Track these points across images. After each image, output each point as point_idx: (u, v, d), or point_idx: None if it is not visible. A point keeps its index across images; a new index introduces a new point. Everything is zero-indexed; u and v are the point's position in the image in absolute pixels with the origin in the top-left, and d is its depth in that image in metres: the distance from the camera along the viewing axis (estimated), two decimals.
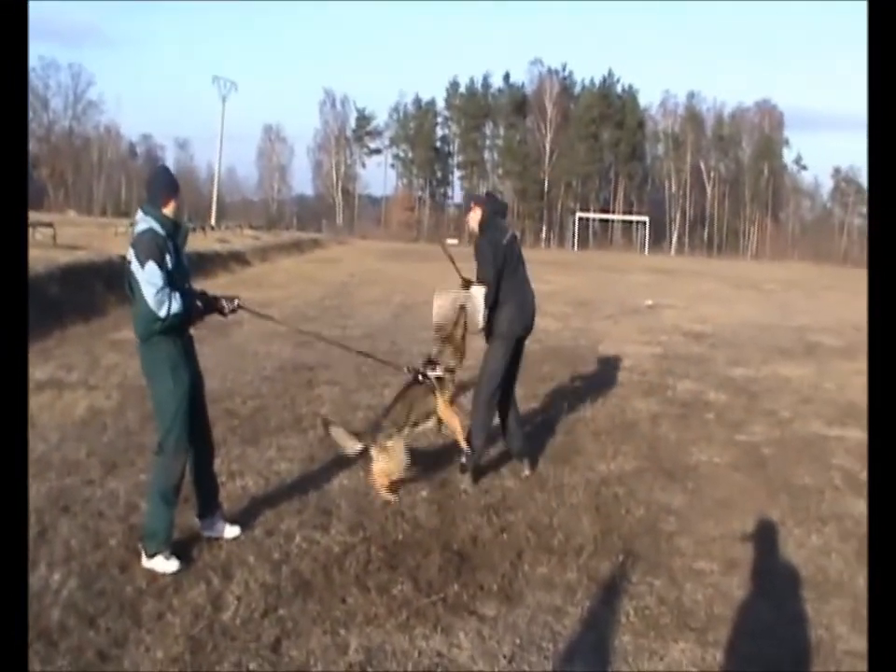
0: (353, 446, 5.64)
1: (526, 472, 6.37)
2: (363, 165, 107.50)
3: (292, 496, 5.71)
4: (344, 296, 20.10)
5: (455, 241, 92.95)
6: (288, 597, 4.26)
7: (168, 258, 4.47)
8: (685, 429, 8.12)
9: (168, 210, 4.57)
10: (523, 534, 5.27)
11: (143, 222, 4.53)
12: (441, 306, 6.07)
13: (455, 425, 5.90)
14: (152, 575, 4.41)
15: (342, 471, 6.26)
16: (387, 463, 5.60)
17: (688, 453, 7.32)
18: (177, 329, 4.58)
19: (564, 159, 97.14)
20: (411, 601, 4.26)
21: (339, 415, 7.77)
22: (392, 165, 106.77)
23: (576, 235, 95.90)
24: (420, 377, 5.84)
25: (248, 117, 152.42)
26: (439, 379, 5.82)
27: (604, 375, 10.74)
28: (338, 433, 5.69)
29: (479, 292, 5.95)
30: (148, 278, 4.39)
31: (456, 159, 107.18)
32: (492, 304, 6.04)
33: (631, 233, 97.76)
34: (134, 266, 4.43)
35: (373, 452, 5.62)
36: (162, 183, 4.64)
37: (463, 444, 5.94)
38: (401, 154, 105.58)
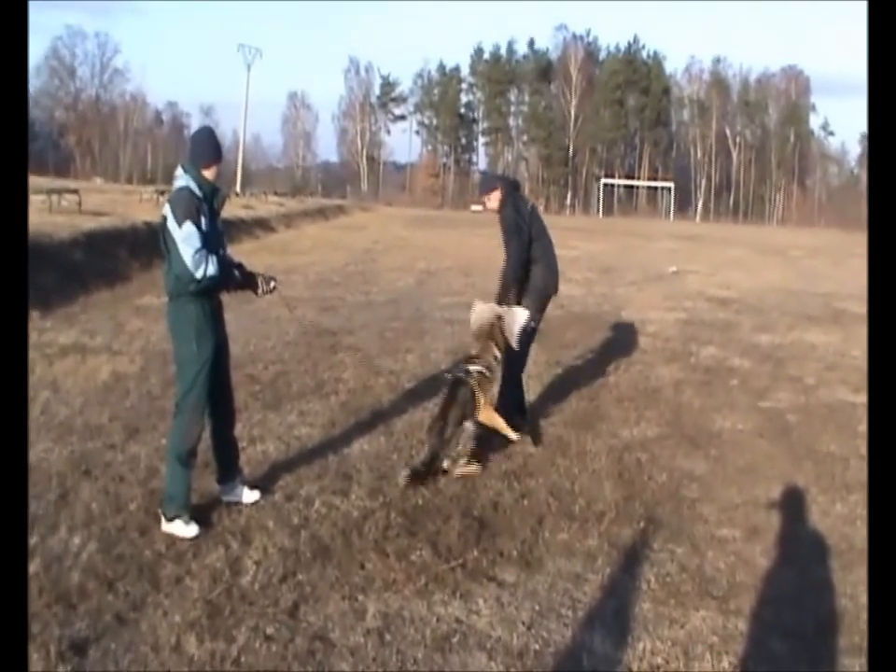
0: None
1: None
2: (388, 132, 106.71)
3: (312, 461, 5.68)
4: (368, 262, 20.06)
5: (479, 207, 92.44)
6: (307, 562, 4.23)
7: (203, 220, 4.39)
8: (709, 396, 8.02)
9: (209, 173, 4.50)
10: (544, 500, 5.21)
11: (181, 179, 4.44)
12: (480, 314, 6.11)
13: (498, 423, 5.92)
14: (171, 539, 4.39)
15: (362, 436, 6.24)
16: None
17: (711, 419, 7.22)
18: (209, 292, 4.53)
19: (589, 125, 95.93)
20: (430, 567, 4.21)
21: (361, 381, 7.86)
22: (417, 132, 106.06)
23: (601, 202, 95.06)
24: (463, 375, 5.83)
25: (273, 84, 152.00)
26: (480, 375, 5.79)
27: (627, 341, 10.63)
28: None
29: (522, 313, 6.02)
30: (186, 237, 4.31)
31: (481, 125, 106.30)
32: (525, 265, 6.28)
33: (656, 200, 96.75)
34: (171, 223, 4.36)
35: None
36: (206, 145, 4.56)
37: (511, 435, 5.98)
38: (426, 121, 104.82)
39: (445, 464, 5.46)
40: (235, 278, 4.71)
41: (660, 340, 10.96)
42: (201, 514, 4.63)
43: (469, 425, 5.60)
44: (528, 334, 6.16)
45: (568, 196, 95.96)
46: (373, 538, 4.54)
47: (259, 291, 4.89)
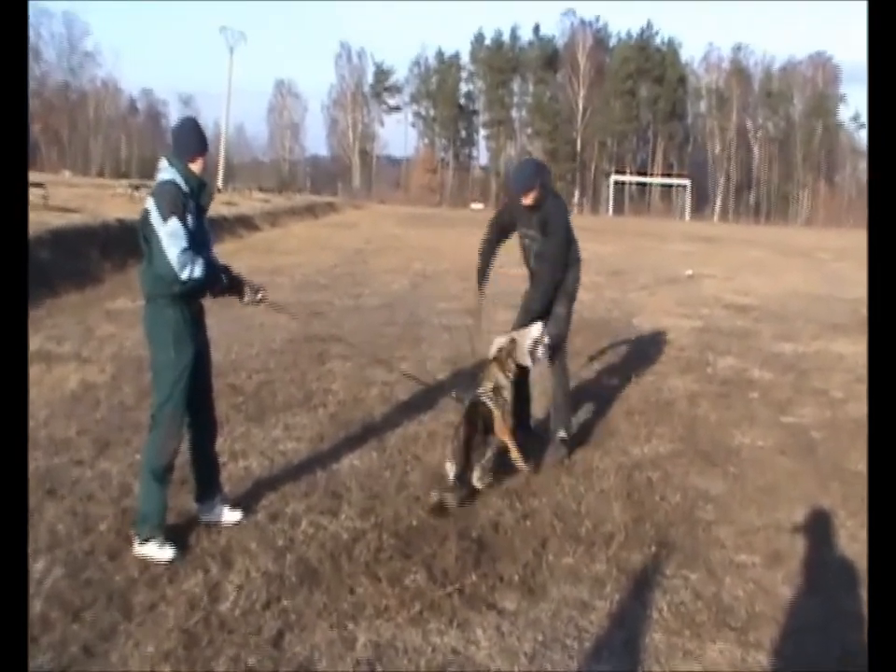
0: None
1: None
2: (381, 123, 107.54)
3: (299, 478, 5.70)
4: (359, 263, 20.19)
5: (480, 205, 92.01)
6: (292, 587, 4.23)
7: (190, 217, 4.39)
8: (726, 410, 8.06)
9: (195, 166, 4.51)
10: (548, 521, 5.21)
11: (166, 172, 4.44)
12: (498, 343, 6.19)
13: (512, 448, 5.94)
14: (145, 563, 4.37)
15: (352, 452, 6.27)
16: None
17: (729, 435, 7.25)
18: (191, 295, 4.52)
19: (598, 117, 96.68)
20: (424, 593, 4.23)
21: (351, 392, 7.91)
22: (413, 124, 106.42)
23: (611, 200, 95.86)
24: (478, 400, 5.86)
25: (259, 71, 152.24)
26: (496, 391, 5.91)
27: (639, 350, 10.69)
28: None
29: (536, 329, 6.03)
30: (171, 234, 4.29)
31: (482, 117, 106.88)
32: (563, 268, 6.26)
33: (671, 198, 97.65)
34: (154, 218, 4.34)
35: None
36: (192, 136, 4.56)
37: (521, 464, 6.00)
38: (423, 112, 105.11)
39: (475, 479, 5.62)
40: (221, 282, 4.71)
41: (674, 349, 11.00)
42: (177, 536, 4.62)
43: (492, 439, 5.78)
44: (557, 346, 6.28)
45: (576, 194, 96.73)
46: (364, 560, 4.54)
47: (246, 300, 4.91)
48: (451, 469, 5.49)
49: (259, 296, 4.93)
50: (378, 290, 15.39)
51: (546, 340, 6.04)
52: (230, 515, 4.95)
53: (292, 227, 33.13)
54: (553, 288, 6.15)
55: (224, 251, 16.27)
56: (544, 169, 6.29)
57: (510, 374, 5.94)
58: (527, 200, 6.04)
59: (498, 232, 6.52)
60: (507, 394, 5.87)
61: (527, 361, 6.01)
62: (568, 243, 6.18)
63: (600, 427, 7.32)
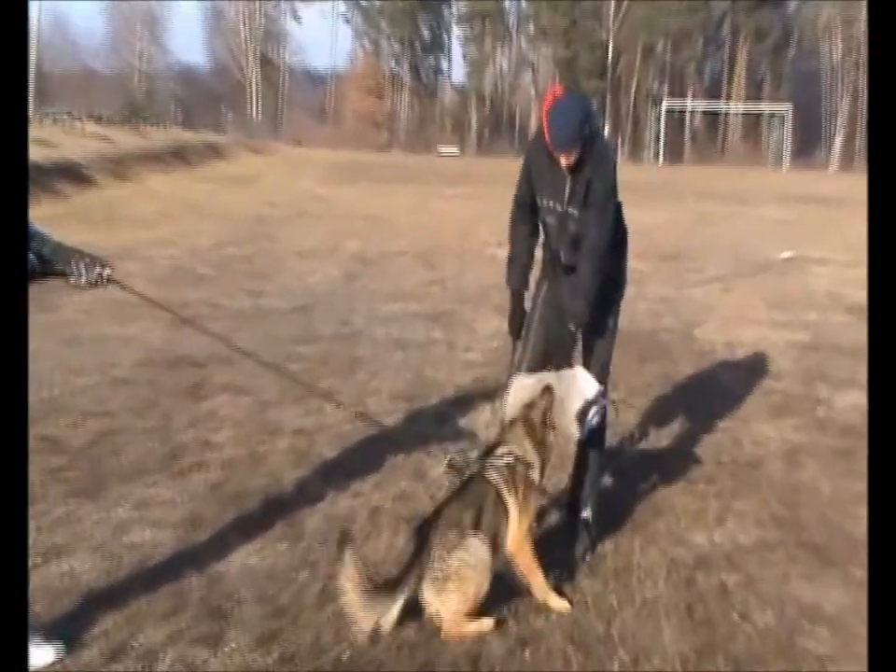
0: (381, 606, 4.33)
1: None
2: (296, 18, 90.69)
3: (159, 586, 4.83)
4: (261, 241, 18.20)
5: (453, 148, 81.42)
6: None
7: None
8: (848, 475, 7.00)
9: None
10: (558, 651, 4.38)
11: None
12: (520, 394, 4.94)
13: (530, 563, 4.67)
14: None
15: (247, 543, 5.36)
16: (460, 594, 4.38)
17: (853, 515, 6.24)
18: None
19: (640, 6, 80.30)
20: None
21: (246, 446, 6.89)
22: (345, 18, 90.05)
23: (661, 139, 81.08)
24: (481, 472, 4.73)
25: None
26: (510, 469, 4.64)
27: (705, 380, 9.47)
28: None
29: (587, 381, 5.03)
30: None
31: (456, 7, 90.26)
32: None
33: (758, 135, 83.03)
34: None
35: (428, 591, 4.35)
36: None
37: (554, 602, 4.67)
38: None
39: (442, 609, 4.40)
40: (32, 264, 3.80)
41: (762, 377, 9.62)
42: None
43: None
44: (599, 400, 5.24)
45: (606, 128, 79.99)
46: None
47: (83, 281, 3.91)
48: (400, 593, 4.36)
49: (105, 272, 3.93)
50: (290, 285, 13.52)
51: (604, 401, 5.21)
52: (40, 654, 4.06)
53: (150, 181, 29.30)
54: (599, 290, 5.24)
55: (35, 218, 14.47)
56: (591, 112, 5.27)
57: (545, 450, 4.80)
58: (568, 159, 5.07)
59: (532, 206, 5.45)
60: (535, 477, 4.78)
61: (574, 430, 5.02)
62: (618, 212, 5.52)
63: (643, 500, 6.34)
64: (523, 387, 5.03)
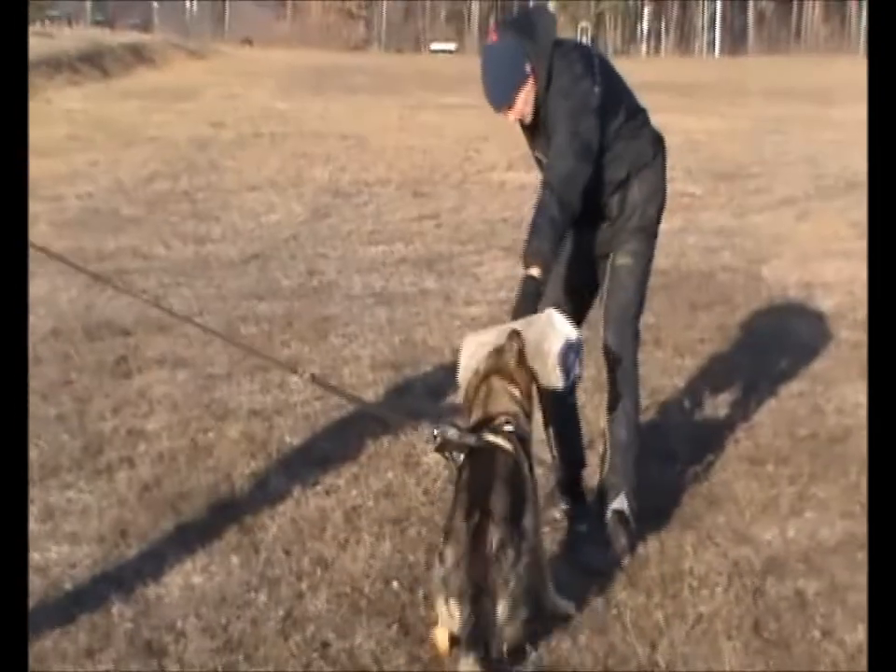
0: None
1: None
2: None
3: (75, 617, 4.40)
4: (203, 172, 17.76)
5: (450, 45, 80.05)
6: None
7: None
8: None
9: None
10: None
11: None
12: (476, 351, 4.73)
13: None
14: None
15: (188, 558, 4.96)
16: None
17: None
18: None
19: None
20: None
21: (186, 435, 6.48)
22: None
23: (717, 24, 77.76)
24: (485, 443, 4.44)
25: None
26: (522, 441, 4.43)
27: (775, 333, 9.01)
28: None
29: (559, 319, 4.73)
30: None
31: None
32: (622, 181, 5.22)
33: (844, 16, 79.46)
34: None
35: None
36: None
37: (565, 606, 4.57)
38: None
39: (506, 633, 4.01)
40: None
41: (848, 328, 9.06)
42: None
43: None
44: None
45: (645, 15, 78.19)
46: None
47: None
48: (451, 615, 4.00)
49: None
50: (241, 227, 13.08)
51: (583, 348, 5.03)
52: None
53: (55, 95, 28.82)
54: (566, 209, 4.81)
55: None
56: (534, 43, 4.96)
57: (527, 397, 4.62)
58: (511, 116, 5.06)
59: None
60: (528, 430, 4.72)
61: (556, 380, 4.65)
62: (595, 132, 4.98)
63: (696, 487, 5.95)
64: (481, 344, 4.75)
